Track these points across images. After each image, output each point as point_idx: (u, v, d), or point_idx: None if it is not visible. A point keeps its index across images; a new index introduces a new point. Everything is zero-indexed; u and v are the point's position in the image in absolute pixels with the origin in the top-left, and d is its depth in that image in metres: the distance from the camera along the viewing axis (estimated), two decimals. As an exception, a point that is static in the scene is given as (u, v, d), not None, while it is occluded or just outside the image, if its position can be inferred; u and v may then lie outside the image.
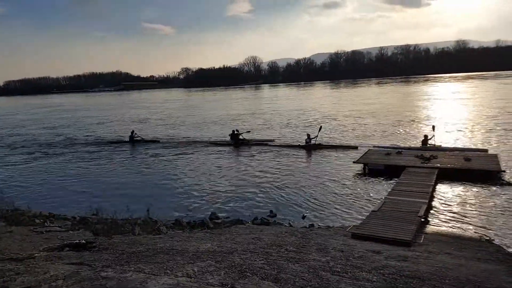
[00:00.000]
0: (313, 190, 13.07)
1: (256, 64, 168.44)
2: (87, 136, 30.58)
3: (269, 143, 22.84)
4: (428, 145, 18.22)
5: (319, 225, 9.89)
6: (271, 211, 11.23)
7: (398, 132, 24.15)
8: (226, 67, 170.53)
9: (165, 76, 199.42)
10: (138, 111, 55.72)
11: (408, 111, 34.30)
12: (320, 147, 20.20)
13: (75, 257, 5.34)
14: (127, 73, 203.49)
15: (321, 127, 22.45)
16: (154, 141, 25.68)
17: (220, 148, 22.29)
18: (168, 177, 16.17)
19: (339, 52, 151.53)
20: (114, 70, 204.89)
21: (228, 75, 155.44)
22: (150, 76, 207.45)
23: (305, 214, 10.88)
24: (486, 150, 16.74)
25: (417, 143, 19.47)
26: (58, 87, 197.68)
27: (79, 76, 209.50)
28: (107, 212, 10.51)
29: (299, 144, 21.29)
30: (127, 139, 26.02)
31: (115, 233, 8.09)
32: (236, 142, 23.03)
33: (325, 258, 6.01)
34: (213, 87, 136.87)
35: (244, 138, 23.29)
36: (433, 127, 19.13)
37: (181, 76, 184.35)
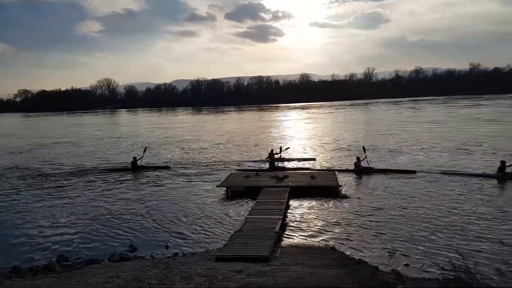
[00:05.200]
0: (177, 217, 12.79)
1: (111, 87, 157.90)
2: None
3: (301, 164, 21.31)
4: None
5: (183, 252, 9.69)
6: (130, 245, 10.48)
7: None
8: (75, 89, 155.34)
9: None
10: None
11: (257, 134, 37.33)
12: (372, 171, 18.38)
13: None
14: None
15: (364, 148, 20.18)
16: (164, 167, 22.03)
17: (63, 180, 19.75)
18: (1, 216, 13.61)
19: (200, 79, 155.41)
20: None
21: (78, 99, 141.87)
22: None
23: (169, 244, 10.52)
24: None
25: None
26: None
27: None
28: None
29: (347, 169, 19.20)
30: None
31: None
32: (273, 163, 20.80)
33: (189, 285, 5.91)
34: (60, 112, 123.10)
35: (283, 158, 21.85)
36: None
37: (18, 99, 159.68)
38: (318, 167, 20.56)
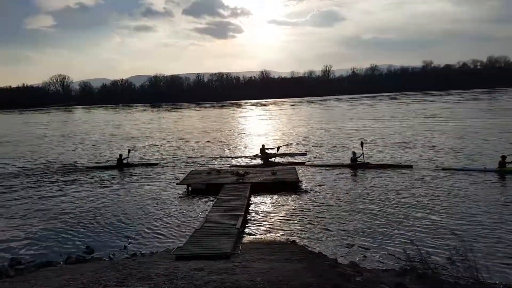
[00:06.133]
0: (136, 217, 12.45)
1: (65, 83, 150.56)
2: None
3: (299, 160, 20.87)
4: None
5: (142, 253, 9.44)
6: (87, 247, 10.10)
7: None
8: (27, 86, 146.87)
9: None
10: None
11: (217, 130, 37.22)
12: (369, 166, 18.16)
13: None
14: None
15: (362, 143, 19.45)
16: (153, 164, 21.50)
17: (10, 181, 18.58)
18: None
19: (158, 75, 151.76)
20: None
21: (30, 96, 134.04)
22: None
23: (127, 244, 10.22)
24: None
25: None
26: None
27: None
28: None
29: (342, 164, 19.07)
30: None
31: None
32: (266, 159, 20.51)
33: (148, 285, 5.78)
34: (10, 109, 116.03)
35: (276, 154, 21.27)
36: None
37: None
38: (313, 162, 20.29)
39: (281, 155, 21.92)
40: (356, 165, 18.41)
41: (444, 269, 6.61)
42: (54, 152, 28.01)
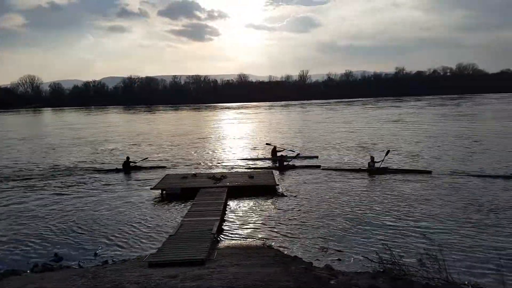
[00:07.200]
0: (108, 223, 12.06)
1: (35, 84, 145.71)
2: None
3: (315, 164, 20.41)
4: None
5: (113, 260, 9.13)
6: (55, 254, 9.68)
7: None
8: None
9: None
10: None
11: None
12: (387, 171, 17.59)
13: None
14: None
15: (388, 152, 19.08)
16: (160, 167, 21.07)
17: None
18: None
19: (132, 77, 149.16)
20: None
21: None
22: None
23: (97, 251, 9.88)
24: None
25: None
26: None
27: None
28: None
29: (360, 168, 18.51)
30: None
31: None
32: (281, 162, 20.13)
33: (119, 295, 5.57)
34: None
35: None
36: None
37: None
38: (328, 166, 19.87)
39: (294, 158, 21.35)
40: (374, 170, 17.82)
41: (416, 271, 6.73)
42: (12, 157, 26.89)
